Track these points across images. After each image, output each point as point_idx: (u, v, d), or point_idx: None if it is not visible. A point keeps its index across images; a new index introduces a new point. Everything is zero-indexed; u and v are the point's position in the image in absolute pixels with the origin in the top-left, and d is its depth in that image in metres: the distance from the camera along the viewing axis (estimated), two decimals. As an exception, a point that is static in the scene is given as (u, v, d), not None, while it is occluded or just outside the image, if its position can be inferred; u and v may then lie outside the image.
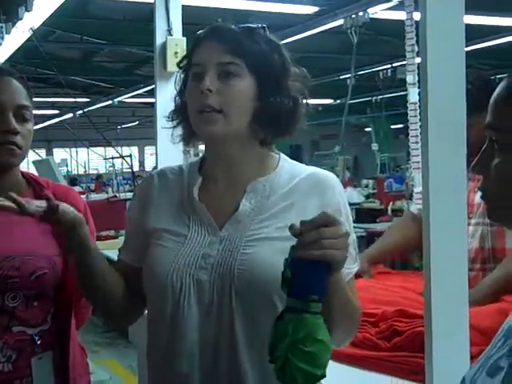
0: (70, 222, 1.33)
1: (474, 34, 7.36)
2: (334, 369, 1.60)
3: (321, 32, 7.14)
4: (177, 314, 1.26)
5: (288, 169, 1.36)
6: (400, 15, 5.68)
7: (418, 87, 2.58)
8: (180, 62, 1.40)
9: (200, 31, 1.35)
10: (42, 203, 1.31)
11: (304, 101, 1.34)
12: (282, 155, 1.40)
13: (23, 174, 1.69)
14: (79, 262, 1.37)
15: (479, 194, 0.93)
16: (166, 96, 2.58)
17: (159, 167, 2.72)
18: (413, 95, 2.67)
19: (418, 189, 2.49)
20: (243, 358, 1.24)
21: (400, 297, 1.94)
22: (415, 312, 1.69)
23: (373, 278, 2.21)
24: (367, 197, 11.62)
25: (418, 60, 2.61)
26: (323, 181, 1.33)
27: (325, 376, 1.05)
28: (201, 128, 1.30)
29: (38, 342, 1.56)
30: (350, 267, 1.28)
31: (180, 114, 1.38)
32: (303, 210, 1.28)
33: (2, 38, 6.37)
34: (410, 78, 2.72)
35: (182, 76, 1.38)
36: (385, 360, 1.63)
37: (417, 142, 2.59)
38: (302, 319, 1.02)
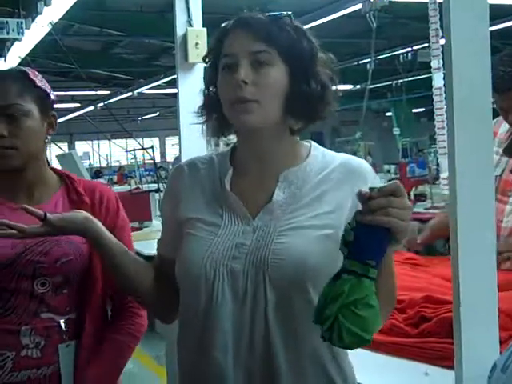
0: (69, 230, 1.43)
1: (497, 13, 7.27)
2: (361, 355, 1.61)
3: (339, 17, 7.09)
4: (210, 303, 1.27)
5: (320, 157, 1.36)
6: (419, -2, 5.61)
7: (443, 72, 2.56)
8: (207, 54, 1.38)
9: (226, 22, 1.34)
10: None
11: (333, 86, 1.34)
12: (313, 143, 1.40)
13: (55, 170, 1.71)
14: (100, 255, 1.45)
15: None
16: (187, 87, 2.59)
17: (182, 157, 2.74)
18: (438, 80, 2.65)
19: (444, 174, 2.47)
20: (277, 347, 1.24)
21: (428, 283, 1.93)
22: (443, 297, 1.68)
23: (399, 264, 2.20)
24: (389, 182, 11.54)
25: (441, 42, 2.58)
26: (355, 169, 1.33)
27: (370, 342, 1.05)
28: (237, 118, 1.29)
29: (66, 330, 1.59)
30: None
31: (211, 106, 1.37)
32: (336, 198, 1.28)
33: (22, 34, 6.42)
34: (434, 63, 2.70)
35: (209, 67, 1.37)
36: (413, 346, 1.62)
37: (443, 128, 2.57)
38: (359, 282, 1.03)
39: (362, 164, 1.35)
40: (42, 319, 1.56)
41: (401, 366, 1.61)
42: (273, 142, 1.33)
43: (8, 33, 6.42)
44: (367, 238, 1.04)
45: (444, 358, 1.52)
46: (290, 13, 1.32)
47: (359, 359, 1.44)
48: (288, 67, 1.29)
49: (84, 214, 1.44)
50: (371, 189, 1.06)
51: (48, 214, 1.40)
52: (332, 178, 1.32)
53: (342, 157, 1.36)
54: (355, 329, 1.02)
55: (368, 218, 1.04)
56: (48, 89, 1.64)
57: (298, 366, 1.26)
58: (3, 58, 7.68)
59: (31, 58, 8.35)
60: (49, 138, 1.65)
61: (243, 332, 1.25)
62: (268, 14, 1.31)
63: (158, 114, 19.84)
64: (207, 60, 1.38)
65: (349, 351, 1.35)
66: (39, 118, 1.60)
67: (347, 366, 1.34)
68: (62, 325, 1.59)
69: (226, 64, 1.30)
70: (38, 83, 1.62)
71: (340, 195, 1.29)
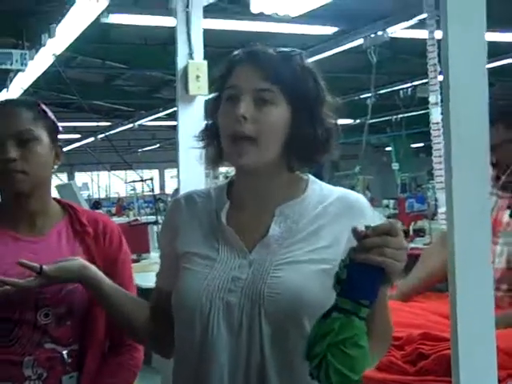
0: (64, 279, 1.47)
1: (494, 50, 7.34)
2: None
3: (340, 52, 7.16)
4: (206, 337, 1.26)
5: (317, 191, 1.35)
6: (419, 34, 5.68)
7: (441, 107, 2.57)
8: (213, 82, 1.39)
9: (235, 53, 1.34)
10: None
11: (337, 131, 1.34)
12: (311, 177, 1.39)
13: (57, 201, 1.71)
14: (94, 297, 1.49)
15: (508, 212, 0.91)
16: (187, 119, 2.60)
17: (181, 190, 2.74)
18: (435, 115, 2.66)
19: (442, 209, 2.47)
20: (272, 381, 1.23)
21: (425, 319, 1.92)
22: (441, 335, 1.66)
23: (398, 301, 2.18)
24: (388, 217, 11.55)
25: (440, 78, 2.61)
26: (353, 204, 1.32)
27: (359, 382, 1.04)
28: (233, 158, 1.30)
29: (69, 361, 1.58)
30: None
31: (210, 134, 1.38)
32: (333, 233, 1.28)
33: (26, 65, 6.49)
34: (432, 98, 2.72)
35: (214, 96, 1.38)
36: (411, 384, 1.60)
37: (440, 162, 2.58)
38: (350, 321, 1.02)
39: (359, 199, 1.34)
40: (46, 350, 1.55)
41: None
42: (270, 179, 1.33)
43: (11, 64, 6.47)
44: (360, 277, 1.03)
45: (441, 396, 1.50)
46: (301, 52, 1.33)
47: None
48: (291, 107, 1.29)
49: (80, 261, 1.47)
50: (367, 227, 1.05)
51: (44, 267, 1.43)
52: (329, 212, 1.31)
53: (340, 191, 1.36)
54: (343, 369, 1.01)
55: (362, 256, 1.03)
56: (56, 121, 1.66)
57: None
58: (6, 89, 7.73)
59: (34, 89, 8.41)
60: (55, 167, 1.66)
61: (239, 365, 1.24)
62: (279, 50, 1.31)
63: (157, 145, 19.92)
64: (213, 87, 1.39)
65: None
66: (48, 146, 1.61)
67: None
68: (65, 356, 1.57)
69: (229, 96, 1.30)
70: (49, 114, 1.65)
71: (337, 230, 1.28)
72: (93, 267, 1.47)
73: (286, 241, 1.29)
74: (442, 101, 1.68)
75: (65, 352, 1.58)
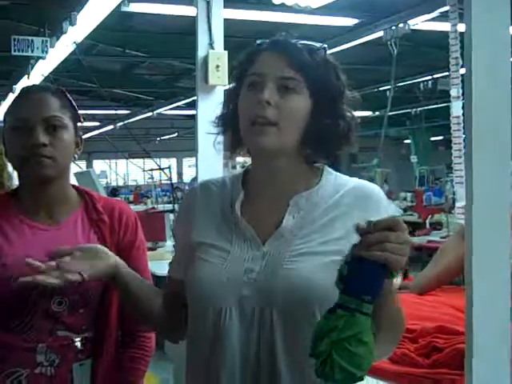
0: (101, 277, 1.47)
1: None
2: (372, 384, 1.59)
3: (360, 43, 7.11)
4: (218, 328, 1.26)
5: (332, 182, 1.35)
6: (441, 26, 5.63)
7: (462, 100, 2.55)
8: (234, 69, 1.39)
9: (259, 42, 1.34)
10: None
11: (356, 125, 1.33)
12: (326, 167, 1.39)
13: (76, 188, 1.72)
14: (118, 291, 1.51)
15: None
16: (207, 109, 2.61)
17: (199, 179, 2.75)
18: (456, 108, 2.64)
19: (460, 203, 2.45)
20: (283, 372, 1.23)
21: (439, 312, 1.91)
22: (455, 328, 1.66)
23: (412, 293, 2.19)
24: (405, 210, 11.50)
25: (462, 71, 2.58)
26: (367, 194, 1.31)
27: (362, 379, 1.04)
28: (252, 138, 1.29)
29: (81, 349, 1.59)
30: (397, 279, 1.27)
31: (228, 121, 1.38)
32: (346, 224, 1.26)
33: (47, 52, 6.52)
34: (453, 92, 2.69)
35: (234, 84, 1.37)
36: (424, 377, 1.61)
37: (460, 157, 2.56)
38: (353, 318, 1.02)
39: (375, 189, 1.33)
40: (58, 337, 1.57)
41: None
42: (287, 168, 1.33)
43: (33, 51, 6.52)
44: (361, 273, 1.03)
45: (455, 389, 1.51)
46: (325, 46, 1.32)
47: (369, 388, 1.43)
48: (313, 98, 1.29)
49: (113, 261, 1.47)
50: (369, 222, 1.05)
51: (85, 276, 1.42)
52: (343, 202, 1.31)
53: (355, 181, 1.35)
54: (348, 366, 1.01)
55: (363, 252, 1.03)
56: (77, 110, 1.68)
57: None
58: (27, 76, 7.78)
59: (54, 77, 8.45)
60: (76, 156, 1.67)
61: (250, 356, 1.25)
62: (303, 42, 1.31)
63: (176, 134, 19.95)
64: (233, 74, 1.38)
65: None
66: (73, 133, 1.63)
67: None
68: (78, 343, 1.59)
69: (252, 82, 1.30)
70: (73, 102, 1.66)
71: (351, 221, 1.26)
72: (123, 265, 1.48)
73: (299, 232, 1.29)
74: (463, 94, 1.67)
75: (78, 339, 1.59)
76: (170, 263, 1.48)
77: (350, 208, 1.29)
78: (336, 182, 1.35)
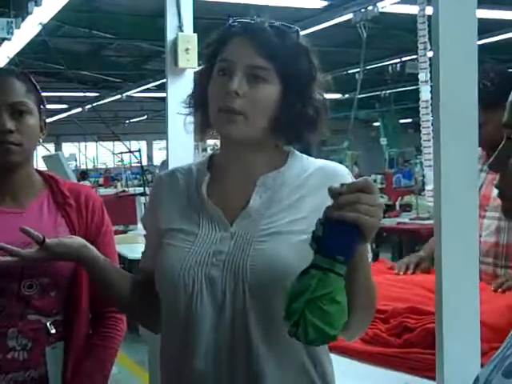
0: (64, 256, 1.44)
1: (486, 27, 7.33)
2: (344, 364, 1.61)
3: (330, 26, 7.13)
4: (190, 312, 1.26)
5: (299, 162, 1.36)
6: (409, 9, 5.66)
7: (430, 85, 2.57)
8: (206, 48, 1.37)
9: (231, 23, 1.32)
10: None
11: (326, 110, 1.33)
12: (293, 149, 1.39)
13: (39, 172, 1.71)
14: (89, 275, 1.49)
15: (496, 190, 0.92)
16: (176, 92, 2.58)
17: (169, 161, 2.74)
18: (425, 93, 2.66)
19: (429, 186, 2.49)
20: (259, 353, 1.24)
21: (410, 293, 1.94)
22: (426, 308, 1.69)
23: (381, 275, 2.21)
24: (375, 192, 11.59)
25: (429, 54, 2.60)
26: (333, 173, 1.32)
27: (336, 339, 1.05)
28: (220, 125, 1.29)
29: (53, 332, 1.58)
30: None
31: (198, 102, 1.37)
32: (313, 203, 1.27)
33: (12, 33, 6.40)
34: (421, 76, 2.72)
35: (205, 65, 1.36)
36: (396, 356, 1.63)
37: (429, 140, 2.58)
38: (325, 277, 1.02)
39: (341, 169, 1.34)
40: (29, 321, 1.56)
41: (383, 376, 1.61)
42: (255, 152, 1.33)
43: (-3, 32, 6.39)
44: (335, 234, 1.04)
45: (426, 368, 1.53)
46: (297, 28, 1.32)
47: (341, 368, 1.44)
48: (283, 86, 1.28)
49: (80, 240, 1.45)
50: (342, 185, 1.06)
51: (46, 239, 1.41)
52: (310, 183, 1.31)
53: (321, 162, 1.36)
54: (321, 324, 1.02)
55: (336, 213, 1.04)
56: (41, 94, 1.66)
57: (281, 372, 1.25)
58: (-8, 57, 7.65)
59: (20, 58, 8.32)
60: (40, 141, 1.65)
61: (224, 339, 1.25)
62: (275, 25, 1.29)
63: (145, 117, 19.82)
64: (205, 55, 1.37)
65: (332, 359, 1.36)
66: (38, 118, 1.62)
67: (329, 373, 1.34)
68: (49, 326, 1.58)
69: (222, 68, 1.29)
70: (37, 86, 1.64)
71: (317, 200, 1.27)
72: (91, 247, 1.46)
73: (267, 211, 1.28)
74: (431, 79, 1.68)
75: (49, 323, 1.58)
76: (142, 253, 1.47)
77: (316, 188, 1.30)
78: (303, 162, 1.36)
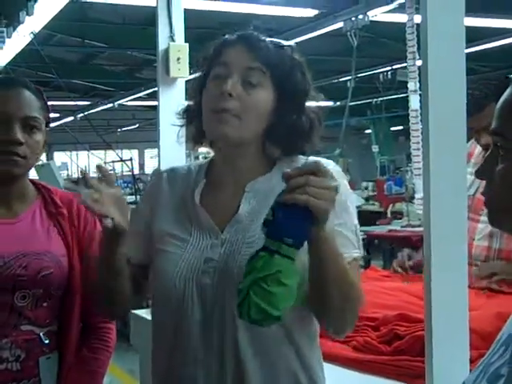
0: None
1: (474, 36, 7.37)
2: (335, 372, 1.62)
3: (321, 35, 7.15)
4: (180, 319, 1.27)
5: (286, 164, 1.35)
6: (399, 18, 5.69)
7: (419, 94, 2.60)
8: (200, 61, 1.39)
9: (227, 36, 1.35)
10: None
11: (319, 123, 1.34)
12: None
13: (33, 182, 1.71)
14: (107, 253, 1.34)
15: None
16: (168, 101, 2.60)
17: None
18: (414, 102, 2.68)
19: (419, 195, 2.50)
20: (247, 359, 1.25)
21: (401, 300, 1.95)
22: (416, 316, 1.70)
23: (372, 282, 2.22)
24: (367, 199, 11.64)
25: (419, 63, 2.62)
26: None
27: (280, 320, 1.06)
28: (213, 127, 1.29)
29: (46, 342, 1.58)
30: (343, 251, 1.24)
31: (193, 112, 1.38)
32: None
33: (3, 42, 6.40)
34: (411, 85, 2.74)
35: (200, 75, 1.38)
36: (386, 364, 1.64)
37: (418, 149, 2.60)
38: (271, 259, 1.04)
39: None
40: (23, 331, 1.56)
41: (373, 383, 1.62)
42: (246, 157, 1.34)
43: (-11, 41, 6.38)
44: (284, 217, 1.05)
45: (416, 376, 1.54)
46: (293, 44, 1.34)
47: (331, 375, 1.45)
48: (278, 94, 1.30)
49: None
50: (294, 169, 1.08)
51: (111, 223, 1.28)
52: None
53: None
54: (263, 304, 1.03)
55: (285, 196, 1.05)
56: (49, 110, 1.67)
57: (269, 377, 1.26)
58: (-17, 66, 7.64)
59: (11, 67, 8.31)
60: (40, 157, 1.67)
61: (213, 345, 1.26)
62: (271, 39, 1.32)
63: (137, 126, 19.78)
64: (199, 66, 1.39)
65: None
66: (44, 134, 1.64)
67: (320, 379, 1.34)
68: (43, 337, 1.58)
69: (217, 73, 1.30)
70: (47, 102, 1.66)
71: None
72: None
73: (256, 217, 1.28)
74: (420, 88, 1.70)
75: (42, 333, 1.58)
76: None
77: None
78: (290, 163, 1.34)
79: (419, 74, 2.46)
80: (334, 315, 1.22)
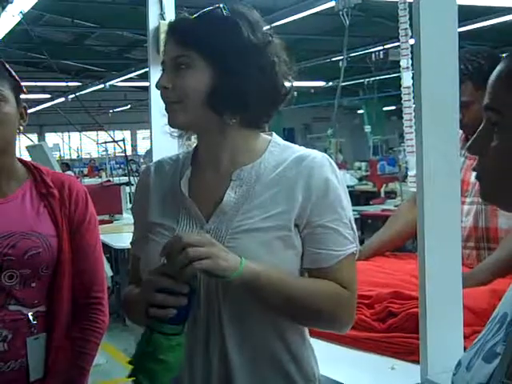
0: None
1: (466, 14, 7.35)
2: (328, 349, 1.63)
3: (313, 14, 7.11)
4: None
5: (276, 153, 1.33)
6: (392, -3, 5.66)
7: (412, 71, 2.59)
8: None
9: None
10: None
11: (281, 74, 1.30)
12: (275, 137, 1.37)
13: (23, 162, 1.69)
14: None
15: (474, 173, 0.92)
16: (159, 81, 2.58)
17: (154, 151, 2.73)
18: (406, 79, 2.68)
19: (412, 172, 2.50)
20: (232, 347, 1.25)
21: (395, 279, 1.95)
22: (410, 294, 1.70)
23: (368, 260, 2.23)
24: (360, 179, 11.66)
25: (411, 42, 2.61)
26: (309, 162, 1.29)
27: None
28: (168, 118, 1.32)
29: (34, 323, 1.58)
30: (337, 249, 1.26)
31: None
32: (288, 198, 1.26)
33: (-8, 23, 6.32)
34: (403, 62, 2.72)
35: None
36: (380, 341, 1.64)
37: (411, 126, 2.60)
38: (151, 337, 1.14)
39: (316, 156, 1.30)
40: (10, 311, 1.55)
41: (367, 360, 1.63)
42: (225, 142, 1.32)
43: (-22, 21, 6.31)
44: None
45: (410, 352, 1.55)
46: (221, 5, 1.30)
47: (326, 353, 1.46)
48: (210, 65, 1.27)
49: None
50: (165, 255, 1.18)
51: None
52: (286, 176, 1.29)
53: (298, 152, 1.32)
54: (145, 381, 1.14)
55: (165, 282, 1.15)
56: (19, 80, 1.63)
57: (254, 367, 1.27)
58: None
59: (0, 48, 8.24)
60: (20, 128, 1.64)
61: (198, 333, 1.26)
62: (201, 11, 1.30)
63: (129, 106, 19.70)
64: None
65: (315, 346, 1.37)
66: (15, 106, 1.59)
67: (308, 365, 1.34)
68: (31, 317, 1.58)
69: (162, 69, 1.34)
70: (13, 73, 1.62)
71: (292, 193, 1.26)
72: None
73: (242, 207, 1.27)
74: (412, 65, 1.69)
75: (30, 314, 1.58)
76: (132, 243, 1.46)
77: (292, 180, 1.28)
78: (281, 153, 1.33)
79: (411, 52, 2.44)
80: (299, 321, 1.31)
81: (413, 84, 1.95)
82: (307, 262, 1.28)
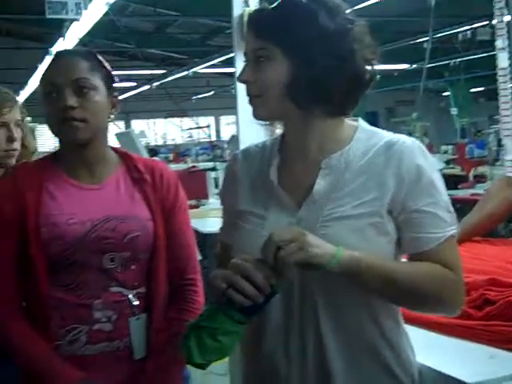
0: None
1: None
2: (425, 337, 1.60)
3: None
4: None
5: (364, 140, 1.31)
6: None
7: (509, 51, 2.49)
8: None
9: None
10: None
11: (362, 58, 1.27)
12: (361, 123, 1.35)
13: (115, 149, 1.73)
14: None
15: None
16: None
17: (240, 136, 2.75)
18: (502, 60, 2.57)
19: (509, 156, 2.41)
20: (328, 339, 1.25)
21: (490, 265, 1.90)
22: (508, 280, 1.65)
23: (462, 247, 2.17)
24: (447, 163, 11.37)
25: (506, 18, 2.51)
26: (398, 147, 1.26)
27: (203, 368, 1.18)
28: (252, 112, 1.32)
29: (136, 304, 1.62)
30: (437, 231, 1.24)
31: None
32: (379, 184, 1.25)
33: (80, 14, 6.51)
34: (499, 43, 2.61)
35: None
36: (477, 329, 1.60)
37: (507, 109, 2.50)
38: (216, 314, 1.17)
39: (405, 141, 1.27)
40: (112, 293, 1.60)
41: (464, 348, 1.59)
42: (306, 129, 1.30)
43: (67, 13, 6.52)
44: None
45: (508, 340, 1.52)
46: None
47: (423, 341, 1.43)
48: (289, 56, 1.25)
49: None
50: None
51: None
52: (376, 162, 1.27)
53: (387, 137, 1.29)
54: (194, 349, 1.16)
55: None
56: (111, 70, 1.67)
57: (350, 353, 1.26)
58: (62, 38, 7.82)
59: (89, 39, 8.48)
60: (112, 117, 1.67)
61: (293, 323, 1.27)
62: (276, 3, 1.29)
63: (212, 93, 19.91)
64: None
65: (411, 333, 1.35)
66: (105, 95, 1.63)
67: (404, 352, 1.32)
68: (132, 298, 1.62)
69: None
70: (105, 63, 1.66)
71: (383, 180, 1.24)
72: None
73: (332, 195, 1.27)
74: (509, 45, 1.62)
75: (131, 295, 1.62)
76: (221, 229, 1.49)
77: (382, 167, 1.26)
78: (368, 139, 1.31)
79: (507, 31, 2.35)
80: (405, 305, 1.31)
81: (510, 64, 1.87)
82: (408, 248, 1.27)
